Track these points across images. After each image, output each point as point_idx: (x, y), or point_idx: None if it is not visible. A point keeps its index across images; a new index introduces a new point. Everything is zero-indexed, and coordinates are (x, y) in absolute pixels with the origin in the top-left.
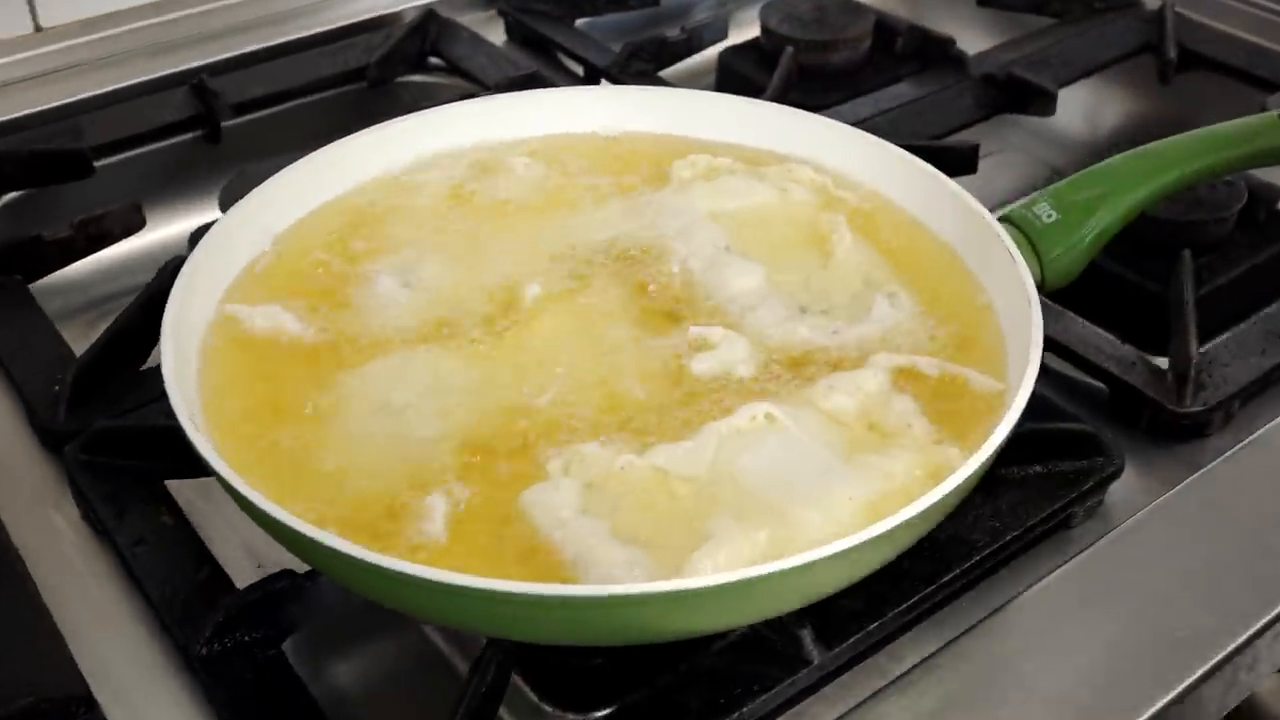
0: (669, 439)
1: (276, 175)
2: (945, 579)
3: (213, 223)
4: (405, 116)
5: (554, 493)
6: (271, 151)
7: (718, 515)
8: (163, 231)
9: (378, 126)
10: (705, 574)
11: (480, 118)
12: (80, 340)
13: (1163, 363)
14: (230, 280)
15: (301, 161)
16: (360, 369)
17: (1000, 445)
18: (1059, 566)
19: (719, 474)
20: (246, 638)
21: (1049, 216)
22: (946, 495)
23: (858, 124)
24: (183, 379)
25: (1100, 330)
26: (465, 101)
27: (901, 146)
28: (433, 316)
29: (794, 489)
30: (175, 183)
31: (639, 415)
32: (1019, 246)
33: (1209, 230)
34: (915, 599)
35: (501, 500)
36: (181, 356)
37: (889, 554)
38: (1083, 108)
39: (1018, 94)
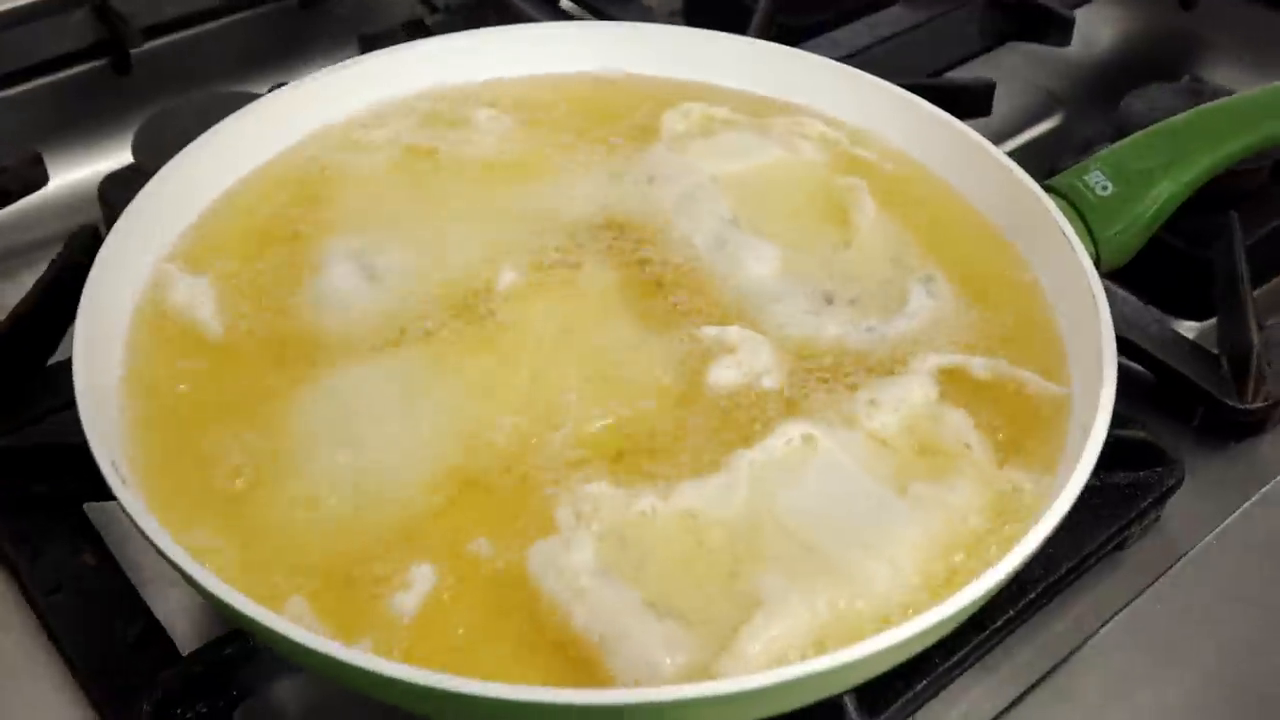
0: (693, 472)
1: (201, 138)
2: (999, 623)
3: (125, 170)
4: (346, 63)
5: (567, 551)
6: (189, 83)
7: (764, 571)
8: (68, 176)
9: (317, 75)
10: (759, 655)
11: (434, 60)
12: None
13: (1186, 327)
14: (151, 268)
15: (230, 120)
16: (317, 382)
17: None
18: (1122, 607)
19: (757, 514)
20: (190, 714)
21: (1104, 188)
22: (1035, 549)
23: (852, 56)
24: (101, 399)
25: (1144, 305)
26: (417, 43)
27: (908, 85)
28: (396, 313)
29: (847, 532)
30: (79, 119)
31: (652, 440)
32: (1070, 222)
33: (1242, 182)
34: (967, 649)
35: (500, 558)
36: (98, 382)
37: (968, 615)
38: (1081, 27)
39: (1029, 20)
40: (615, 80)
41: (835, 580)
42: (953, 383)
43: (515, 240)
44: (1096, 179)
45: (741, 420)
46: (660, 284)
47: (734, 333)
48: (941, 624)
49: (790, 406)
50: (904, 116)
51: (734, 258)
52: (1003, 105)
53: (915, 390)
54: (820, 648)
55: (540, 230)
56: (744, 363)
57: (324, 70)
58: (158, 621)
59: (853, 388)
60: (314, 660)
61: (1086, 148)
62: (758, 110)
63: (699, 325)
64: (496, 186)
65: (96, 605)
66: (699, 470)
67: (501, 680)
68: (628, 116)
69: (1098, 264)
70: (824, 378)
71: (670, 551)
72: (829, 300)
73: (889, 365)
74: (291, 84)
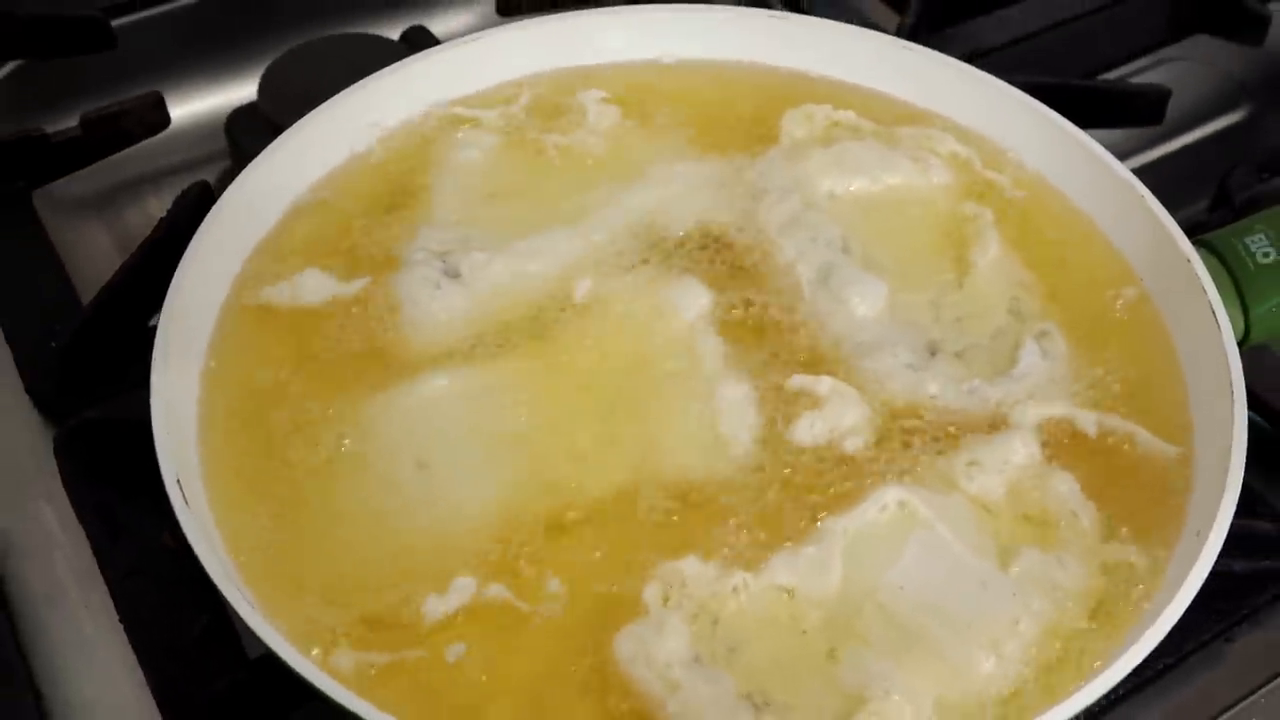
0: (783, 540)
1: (309, 116)
2: None
3: (250, 107)
4: (462, 40)
5: (658, 638)
6: (322, 17)
7: (864, 658)
8: (195, 105)
9: (444, 48)
10: None
11: (552, 40)
12: (93, 244)
13: None
14: (247, 254)
15: (341, 96)
16: (392, 394)
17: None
18: (1220, 713)
19: (852, 591)
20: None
21: (1266, 254)
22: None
23: (1019, 42)
24: (176, 412)
25: None
26: (538, 19)
27: (1072, 84)
28: (472, 323)
29: (951, 615)
30: (209, 49)
31: (733, 503)
32: (1220, 288)
33: None
34: None
35: (581, 638)
36: (178, 388)
37: None
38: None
39: (1213, 10)
40: (736, 70)
41: (939, 670)
42: (1059, 440)
43: (605, 251)
44: (1259, 243)
45: (831, 481)
46: (752, 317)
47: (824, 385)
48: None
49: (884, 467)
50: (1043, 136)
51: (838, 295)
52: (1179, 91)
53: (1019, 450)
54: None
55: (634, 242)
56: (830, 419)
57: (433, 50)
58: (226, 616)
59: (952, 444)
60: None
61: (1271, 158)
62: (887, 116)
63: (788, 370)
64: (598, 187)
65: (170, 593)
66: (788, 538)
67: None
68: (746, 113)
69: (1245, 338)
70: (919, 436)
71: (763, 633)
72: (933, 352)
73: (991, 422)
74: (400, 62)
